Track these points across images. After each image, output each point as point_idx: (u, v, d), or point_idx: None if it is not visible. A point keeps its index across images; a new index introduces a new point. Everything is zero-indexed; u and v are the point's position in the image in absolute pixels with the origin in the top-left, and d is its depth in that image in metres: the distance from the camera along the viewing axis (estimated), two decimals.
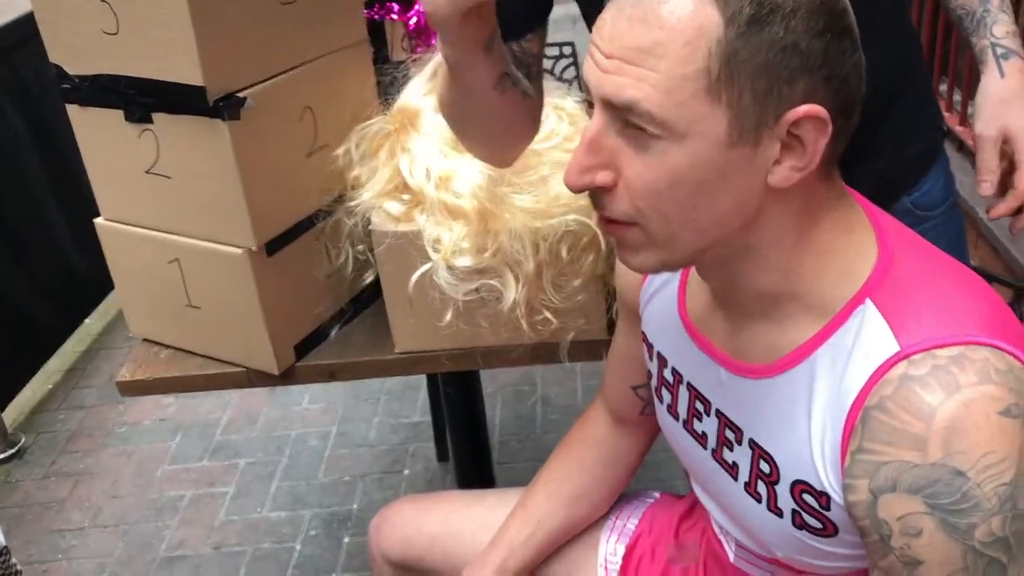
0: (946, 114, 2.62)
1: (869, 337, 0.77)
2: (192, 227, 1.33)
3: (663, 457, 1.09)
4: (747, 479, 0.90)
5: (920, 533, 0.73)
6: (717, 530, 1.07)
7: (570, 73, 2.19)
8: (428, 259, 1.25)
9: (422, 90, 1.35)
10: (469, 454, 1.72)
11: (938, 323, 0.75)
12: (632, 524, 1.23)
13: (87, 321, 3.16)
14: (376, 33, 1.55)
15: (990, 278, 1.26)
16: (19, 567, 1.50)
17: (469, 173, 1.25)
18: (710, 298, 0.91)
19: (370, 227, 1.30)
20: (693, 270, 0.93)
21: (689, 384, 0.97)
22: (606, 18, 0.74)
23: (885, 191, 1.19)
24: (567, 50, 2.24)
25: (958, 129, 2.57)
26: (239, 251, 1.30)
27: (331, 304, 1.44)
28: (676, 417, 1.01)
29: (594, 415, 1.23)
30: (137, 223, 1.39)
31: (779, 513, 0.87)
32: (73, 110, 1.35)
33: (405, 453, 2.51)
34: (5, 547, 1.44)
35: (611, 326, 1.28)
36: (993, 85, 1.14)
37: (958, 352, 0.73)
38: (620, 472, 1.22)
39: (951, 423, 0.71)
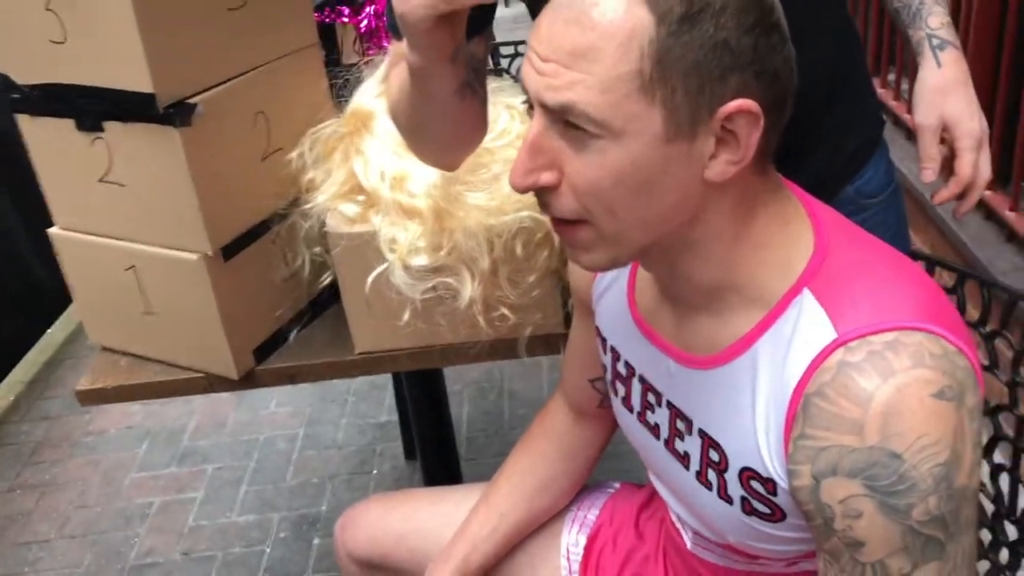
0: (894, 103, 2.66)
1: (807, 326, 0.78)
2: (148, 234, 1.33)
3: (624, 448, 1.11)
4: (698, 468, 0.92)
5: (861, 515, 0.75)
6: (674, 518, 1.09)
7: None
8: (384, 259, 1.26)
9: (375, 92, 1.35)
10: (435, 452, 1.73)
11: (873, 310, 0.77)
12: (593, 515, 1.25)
13: (49, 331, 3.13)
14: (327, 36, 1.56)
15: (934, 262, 1.29)
16: None
17: (423, 173, 1.26)
18: (658, 292, 0.93)
19: (326, 229, 1.30)
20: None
21: (641, 377, 0.99)
22: (542, 22, 0.75)
23: (829, 181, 1.22)
24: (523, 48, 2.26)
25: (906, 117, 2.62)
26: (195, 257, 1.30)
27: (289, 307, 1.44)
28: (631, 409, 1.03)
29: (554, 409, 1.24)
30: (92, 231, 1.39)
31: (729, 500, 0.89)
32: (23, 120, 1.34)
33: (373, 453, 2.51)
34: None
35: (568, 320, 1.29)
36: (931, 75, 1.17)
37: (893, 337, 0.75)
38: (581, 464, 1.24)
39: (886, 407, 0.73)
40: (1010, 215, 2.06)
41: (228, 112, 1.29)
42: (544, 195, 0.79)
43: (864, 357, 0.75)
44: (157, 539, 2.30)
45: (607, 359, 1.06)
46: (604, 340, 1.05)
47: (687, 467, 0.94)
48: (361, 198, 1.29)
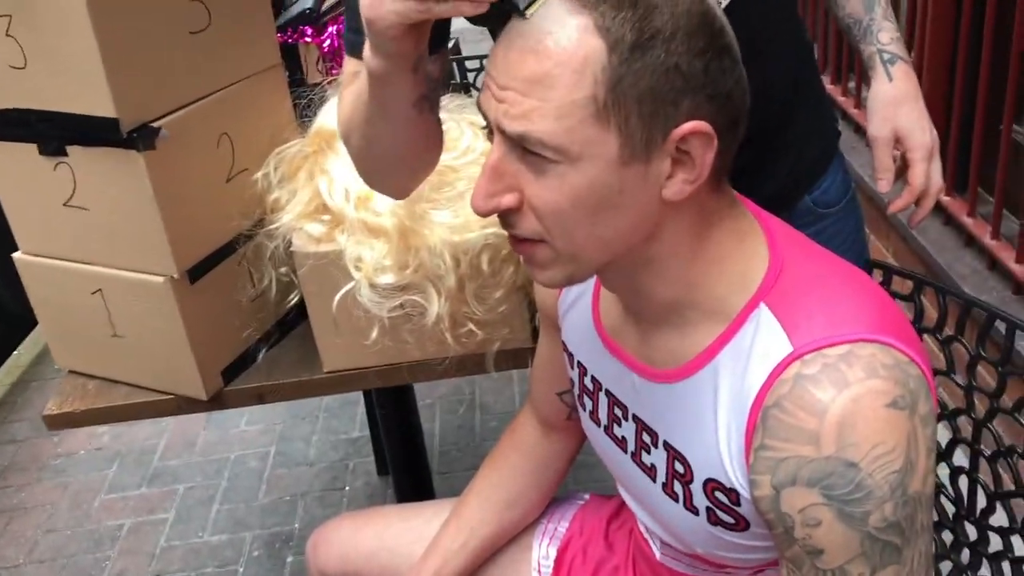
0: (855, 111, 2.70)
1: (764, 339, 0.80)
2: (113, 257, 1.33)
3: (594, 460, 1.12)
4: (664, 480, 0.94)
5: (819, 523, 0.77)
6: (643, 530, 1.11)
7: None
8: (351, 278, 1.26)
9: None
10: (407, 467, 1.74)
11: (827, 323, 0.79)
12: (563, 527, 1.26)
13: (15, 353, 3.10)
14: (290, 56, 1.57)
15: (891, 270, 1.32)
16: None
17: None
18: (621, 308, 0.95)
19: (292, 249, 1.31)
20: None
21: (607, 391, 1.00)
22: (498, 51, 0.76)
23: (787, 193, 1.25)
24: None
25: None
26: (161, 279, 1.30)
27: (257, 327, 1.44)
28: (598, 423, 1.04)
29: (523, 422, 1.26)
30: (57, 256, 1.38)
31: (695, 511, 0.91)
32: None
33: (345, 469, 2.51)
34: None
35: (535, 334, 1.30)
36: (882, 89, 1.20)
37: (846, 350, 0.77)
38: (550, 477, 1.25)
39: (842, 418, 0.75)
40: (968, 220, 2.10)
41: (192, 134, 1.30)
42: (506, 216, 0.80)
43: (819, 369, 0.77)
44: (128, 561, 2.28)
45: (574, 374, 1.07)
46: (571, 355, 1.06)
47: (654, 479, 0.96)
48: (326, 217, 1.30)
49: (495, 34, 1.11)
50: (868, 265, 1.34)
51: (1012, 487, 1.19)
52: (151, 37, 1.23)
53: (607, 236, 0.79)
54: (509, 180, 0.78)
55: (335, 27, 1.59)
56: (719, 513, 0.88)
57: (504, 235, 1.26)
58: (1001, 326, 1.19)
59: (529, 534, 1.26)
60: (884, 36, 1.20)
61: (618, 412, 0.99)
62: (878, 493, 0.75)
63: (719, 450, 0.85)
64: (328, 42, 1.59)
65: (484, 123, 0.80)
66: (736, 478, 0.84)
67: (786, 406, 0.77)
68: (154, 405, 1.42)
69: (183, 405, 1.41)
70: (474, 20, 0.88)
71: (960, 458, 1.29)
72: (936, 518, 1.34)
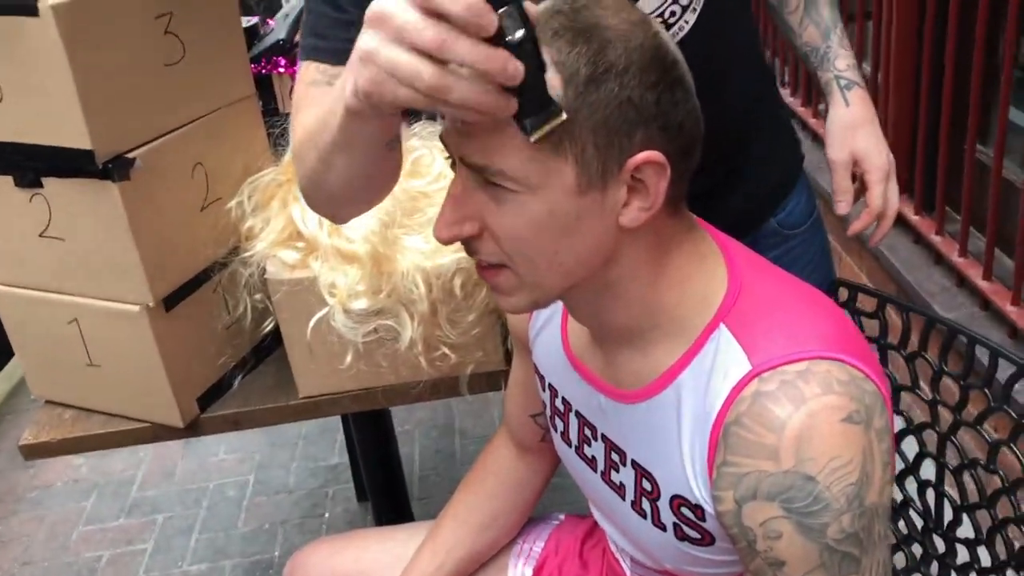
0: (823, 130, 2.75)
1: (725, 358, 0.83)
2: (89, 287, 1.34)
3: (569, 482, 1.14)
4: (633, 498, 0.96)
5: (780, 536, 0.79)
6: (613, 548, 1.12)
7: None
8: (325, 304, 1.28)
9: None
10: (385, 493, 1.75)
11: (785, 342, 0.81)
12: (539, 547, 1.28)
13: None
14: (264, 87, 1.59)
15: (856, 288, 1.35)
16: None
17: (361, 219, 1.29)
18: (588, 331, 0.97)
19: (266, 276, 1.32)
20: None
21: (577, 412, 1.02)
22: None
23: (752, 216, 1.28)
24: None
25: None
26: (136, 308, 1.31)
27: (233, 354, 1.45)
28: (569, 443, 1.06)
29: (498, 444, 1.27)
30: (33, 286, 1.39)
31: (663, 527, 0.92)
32: None
33: (325, 496, 2.51)
34: None
35: (509, 356, 1.32)
36: (840, 114, 1.24)
37: (803, 367, 0.79)
38: (526, 498, 1.26)
39: (799, 432, 0.77)
40: (936, 239, 2.14)
41: (166, 165, 1.31)
42: (468, 242, 0.82)
43: (777, 386, 0.79)
44: None
45: (546, 396, 1.09)
46: (542, 377, 1.08)
47: (623, 497, 0.97)
48: (300, 244, 1.32)
49: None
50: (834, 283, 1.37)
51: (977, 499, 1.22)
52: (126, 70, 1.25)
53: (567, 262, 0.81)
54: (471, 209, 0.79)
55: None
56: (685, 529, 0.90)
57: None
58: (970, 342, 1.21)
59: (505, 555, 1.27)
60: (840, 63, 1.23)
61: (588, 432, 1.01)
62: (835, 505, 0.77)
63: (684, 467, 0.87)
64: None
65: (446, 156, 0.82)
66: (701, 494, 0.86)
67: (746, 422, 0.80)
68: (131, 433, 1.42)
69: (159, 433, 1.42)
70: None
71: (928, 471, 1.31)
72: (906, 531, 1.36)
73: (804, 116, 2.82)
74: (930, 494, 1.31)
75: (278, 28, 1.72)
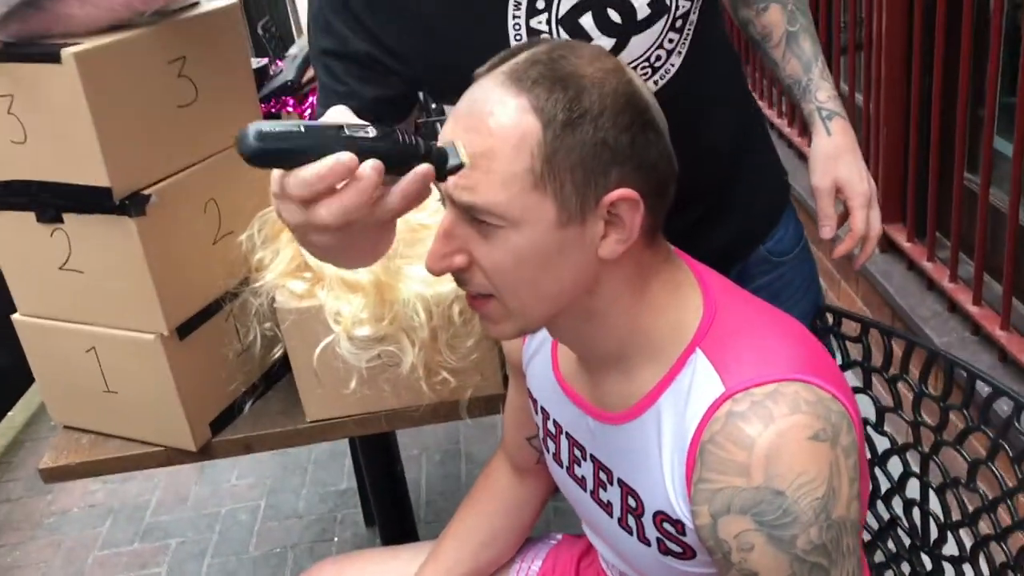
0: None
1: (700, 381, 0.88)
2: (106, 317, 1.41)
3: (570, 506, 1.19)
4: (619, 515, 1.01)
5: (752, 548, 0.84)
6: (604, 565, 1.17)
7: None
8: (331, 331, 1.34)
9: None
10: (392, 517, 1.79)
11: (756, 365, 0.86)
12: (536, 565, 1.32)
13: (10, 414, 3.16)
14: None
15: (839, 314, 1.40)
16: None
17: None
18: (576, 357, 1.02)
19: (275, 305, 1.39)
20: None
21: (567, 433, 1.08)
22: (447, 130, 0.85)
23: (741, 245, 1.33)
24: None
25: None
26: (151, 336, 1.38)
27: (243, 380, 1.51)
28: (560, 464, 1.11)
29: (496, 466, 1.32)
30: (54, 316, 1.46)
31: (647, 542, 0.97)
32: None
33: (334, 521, 2.56)
34: None
35: (506, 380, 1.37)
36: (822, 143, 1.28)
37: (773, 389, 0.84)
38: (524, 519, 1.31)
39: (768, 450, 0.82)
40: (928, 265, 2.19)
41: (180, 200, 1.38)
42: (459, 274, 0.88)
43: (748, 407, 0.84)
44: None
45: (538, 418, 1.14)
46: (535, 401, 1.14)
47: (611, 515, 1.02)
48: (308, 275, 1.38)
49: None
50: (821, 310, 1.41)
51: (959, 517, 1.26)
52: (142, 111, 1.32)
53: (551, 291, 0.86)
54: (459, 243, 0.85)
55: (315, 97, 1.69)
56: (668, 543, 0.95)
57: None
58: (948, 365, 1.26)
59: (505, 573, 1.32)
60: (822, 95, 1.28)
61: (577, 453, 1.06)
62: (803, 518, 0.82)
63: (665, 484, 0.91)
64: (309, 111, 1.69)
65: (438, 197, 0.88)
66: (681, 509, 0.91)
67: (719, 441, 0.85)
68: (146, 457, 1.48)
69: (173, 456, 1.48)
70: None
71: (914, 491, 1.35)
72: (894, 550, 1.40)
73: (800, 147, 2.87)
74: (916, 513, 1.35)
75: (287, 69, 1.79)
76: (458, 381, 1.37)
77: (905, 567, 1.39)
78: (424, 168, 0.74)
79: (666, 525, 0.94)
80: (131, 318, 1.38)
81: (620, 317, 0.91)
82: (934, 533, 1.32)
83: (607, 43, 1.04)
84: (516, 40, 1.04)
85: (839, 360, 1.39)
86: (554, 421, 1.10)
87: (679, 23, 1.07)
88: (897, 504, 1.38)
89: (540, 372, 1.10)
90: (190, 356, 1.42)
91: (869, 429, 1.37)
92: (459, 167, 0.79)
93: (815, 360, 0.89)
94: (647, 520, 0.96)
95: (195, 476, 2.80)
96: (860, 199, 1.27)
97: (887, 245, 2.39)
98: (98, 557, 2.54)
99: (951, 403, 1.26)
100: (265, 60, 1.85)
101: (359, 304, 1.32)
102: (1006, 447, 1.17)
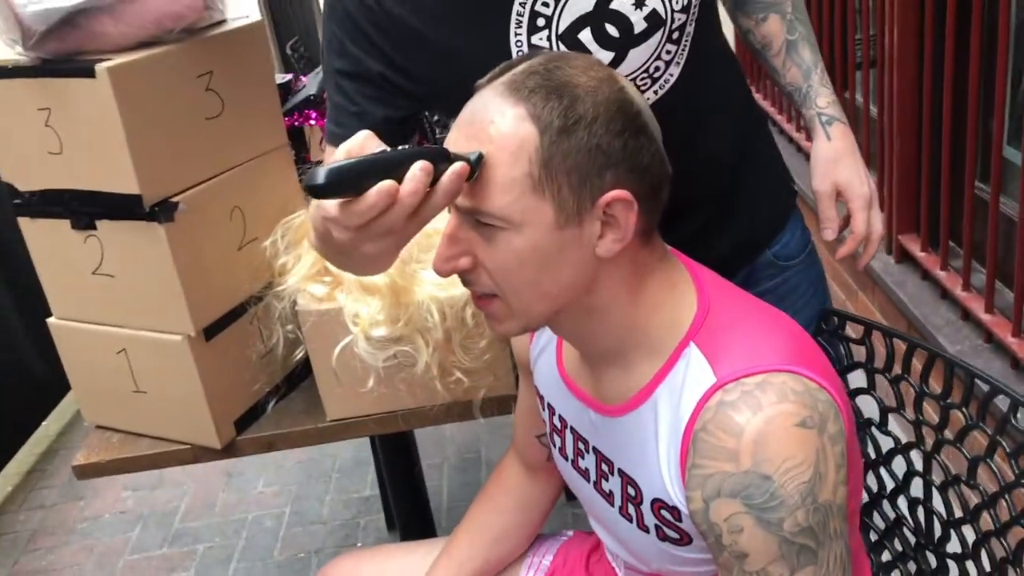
0: None
1: (694, 373, 0.92)
2: (136, 319, 1.47)
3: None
4: (620, 503, 1.05)
5: (742, 530, 0.87)
6: (610, 557, 1.21)
7: None
8: (349, 332, 1.39)
9: None
10: (413, 523, 1.83)
11: (746, 357, 0.90)
12: (548, 560, 1.36)
13: (44, 423, 3.24)
14: (296, 137, 1.73)
15: (843, 317, 1.43)
16: None
17: None
18: (578, 354, 1.07)
19: (297, 308, 1.44)
20: None
21: (572, 428, 1.12)
22: (450, 138, 0.90)
23: (746, 250, 1.36)
24: None
25: None
26: (179, 337, 1.44)
27: (267, 381, 1.57)
28: (566, 457, 1.15)
29: (508, 464, 1.36)
30: (86, 319, 1.53)
31: (646, 529, 1.01)
32: (24, 222, 1.49)
33: (357, 527, 2.61)
34: None
35: (519, 382, 1.42)
36: (822, 147, 1.31)
37: (761, 379, 0.88)
38: (534, 515, 1.35)
39: (756, 436, 0.86)
40: (941, 274, 2.21)
41: (207, 208, 1.45)
42: (463, 275, 0.93)
43: (738, 396, 0.88)
44: None
45: (545, 414, 1.18)
46: (542, 397, 1.18)
47: (612, 504, 1.07)
48: (328, 279, 1.44)
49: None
50: (827, 314, 1.44)
51: (961, 514, 1.29)
52: (171, 123, 1.39)
53: (551, 290, 0.91)
54: (464, 245, 0.90)
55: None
56: (666, 530, 0.99)
57: None
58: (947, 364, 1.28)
59: (517, 567, 1.36)
60: (821, 100, 1.31)
61: (581, 446, 1.11)
62: (790, 501, 0.85)
63: (661, 472, 0.95)
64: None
65: None
66: (676, 496, 0.94)
67: (711, 429, 0.89)
68: (173, 455, 1.54)
69: (199, 454, 1.54)
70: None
71: (918, 489, 1.38)
72: (900, 549, 1.43)
73: (807, 149, 2.90)
74: (921, 512, 1.37)
75: (310, 84, 1.86)
76: (471, 381, 1.42)
77: (911, 566, 1.41)
78: (460, 165, 0.82)
79: (663, 512, 0.98)
80: (160, 320, 1.45)
81: (618, 314, 0.95)
82: (938, 531, 1.34)
83: (606, 56, 1.09)
84: (518, 55, 1.10)
85: (843, 362, 1.42)
86: (559, 416, 1.14)
87: (675, 35, 1.12)
88: (902, 503, 1.40)
89: (546, 369, 1.15)
90: (216, 357, 1.48)
91: (874, 429, 1.40)
92: (480, 158, 0.85)
93: (804, 352, 0.93)
94: (646, 508, 1.00)
95: (222, 483, 2.87)
96: (860, 201, 1.29)
97: (901, 255, 2.41)
98: (128, 561, 2.61)
99: (951, 402, 1.28)
100: (289, 76, 1.92)
101: (376, 306, 1.38)
102: (1003, 444, 1.20)
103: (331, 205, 0.80)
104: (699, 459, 0.90)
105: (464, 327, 1.39)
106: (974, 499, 1.26)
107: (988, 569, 1.25)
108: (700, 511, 0.90)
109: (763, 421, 0.86)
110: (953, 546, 1.33)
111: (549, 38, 1.09)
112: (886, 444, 1.41)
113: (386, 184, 0.78)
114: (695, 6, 1.12)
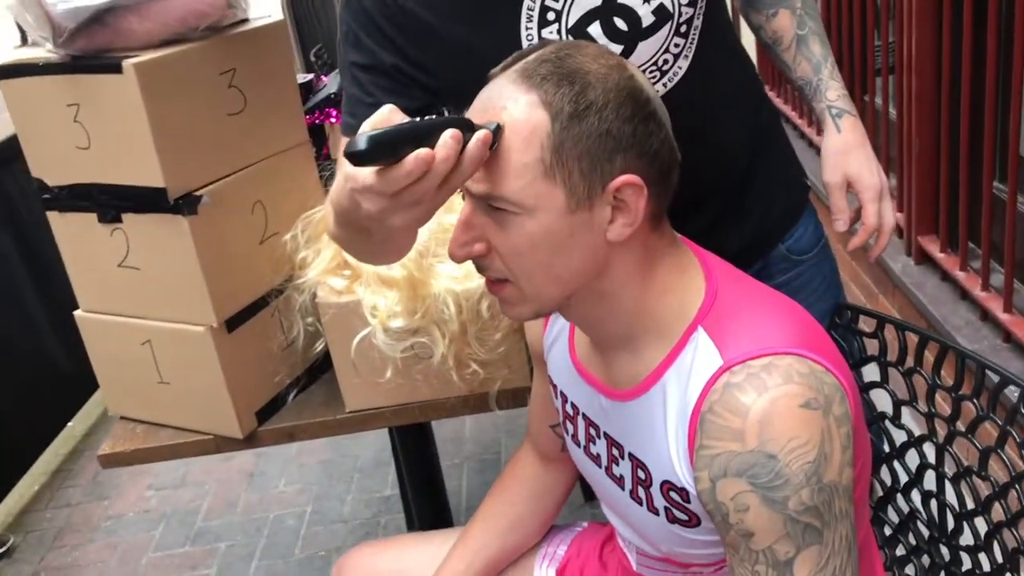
0: None
1: (702, 356, 0.94)
2: (161, 311, 1.51)
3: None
4: (631, 487, 1.06)
5: (748, 508, 0.88)
6: (622, 543, 1.23)
7: None
8: (368, 324, 1.42)
9: None
10: (432, 520, 1.85)
11: (752, 340, 0.92)
12: (562, 550, 1.38)
13: (70, 424, 3.28)
14: (317, 134, 1.76)
15: (856, 311, 1.44)
16: None
17: None
18: (589, 340, 1.09)
19: (317, 300, 1.47)
20: None
21: (583, 414, 1.14)
22: None
23: (760, 244, 1.37)
24: None
25: None
26: (202, 329, 1.47)
27: (288, 372, 1.60)
28: (578, 444, 1.17)
29: (523, 455, 1.38)
30: (112, 311, 1.56)
31: (656, 512, 1.03)
32: (53, 216, 1.53)
33: (377, 525, 2.63)
34: None
35: (533, 373, 1.44)
36: (833, 140, 1.32)
37: (767, 361, 0.90)
38: (548, 505, 1.37)
39: (762, 416, 0.87)
40: (960, 275, 2.21)
41: (230, 202, 1.48)
42: (478, 260, 0.96)
43: (744, 378, 0.89)
44: None
45: (558, 402, 1.20)
46: (555, 386, 1.20)
47: (623, 488, 1.08)
48: (347, 272, 1.47)
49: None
50: (840, 308, 1.45)
51: (973, 506, 1.29)
52: (195, 119, 1.42)
53: (563, 274, 0.93)
54: (478, 231, 0.92)
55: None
56: (675, 511, 1.00)
57: None
58: (959, 356, 1.29)
59: (531, 556, 1.37)
60: (831, 94, 1.33)
61: (592, 432, 1.12)
62: (795, 480, 0.87)
63: (670, 454, 0.97)
64: None
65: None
66: (684, 477, 0.96)
67: (717, 410, 0.90)
68: (196, 445, 1.57)
69: (221, 444, 1.57)
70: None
71: (931, 482, 1.38)
72: (914, 542, 1.43)
73: (819, 143, 2.91)
74: (934, 505, 1.37)
75: (330, 84, 1.90)
76: (487, 373, 1.44)
77: (925, 559, 1.42)
78: (483, 133, 0.83)
79: (672, 494, 0.99)
80: (183, 311, 1.48)
81: (628, 298, 0.97)
82: (951, 524, 1.35)
83: (615, 50, 1.11)
84: None
85: (857, 356, 1.43)
86: (572, 403, 1.16)
87: (683, 28, 1.14)
88: (915, 496, 1.41)
89: (559, 357, 1.17)
90: (238, 348, 1.51)
91: (888, 423, 1.41)
92: (499, 128, 0.87)
93: (810, 336, 0.94)
94: (655, 490, 1.01)
95: (244, 483, 2.90)
96: (871, 192, 1.30)
97: (921, 257, 2.41)
98: (151, 559, 2.64)
99: (963, 393, 1.29)
100: (311, 76, 1.96)
101: (394, 298, 1.41)
102: (1013, 434, 1.21)
103: (367, 174, 0.81)
104: (706, 439, 0.91)
105: (479, 319, 1.41)
106: (986, 491, 1.26)
107: (1000, 560, 1.25)
108: (707, 490, 0.92)
109: (768, 402, 0.88)
110: (966, 538, 1.33)
111: (559, 32, 1.11)
112: (899, 437, 1.42)
113: (423, 151, 0.79)
114: (702, 0, 1.14)
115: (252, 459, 2.99)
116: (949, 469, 1.33)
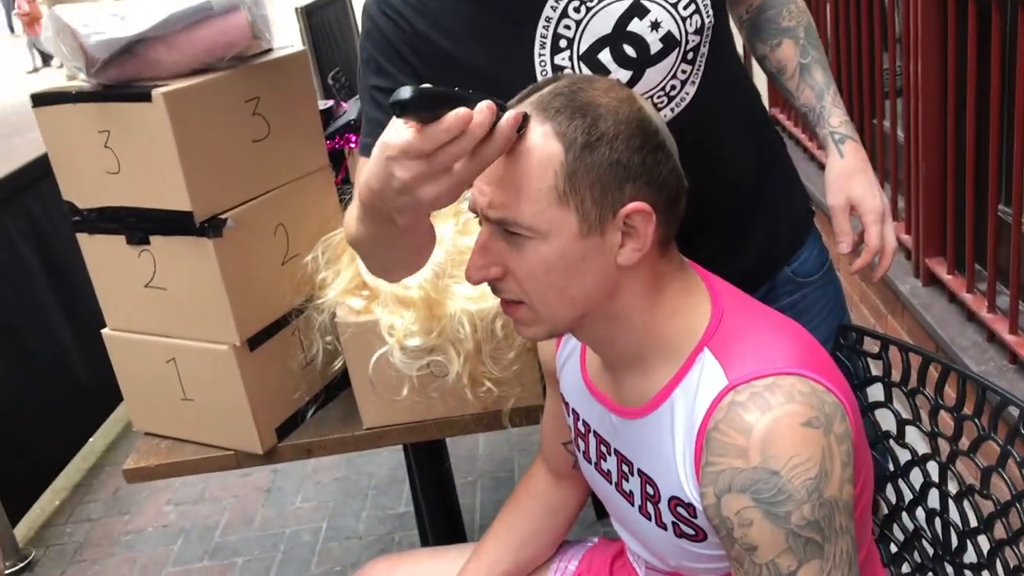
0: None
1: (708, 377, 0.97)
2: (185, 330, 1.55)
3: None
4: (640, 503, 1.10)
5: (751, 523, 0.92)
6: (631, 557, 1.26)
7: None
8: (385, 343, 1.47)
9: None
10: (446, 537, 1.88)
11: (756, 361, 0.96)
12: (573, 565, 1.41)
13: (91, 440, 3.34)
14: (337, 159, 1.81)
15: (861, 332, 1.47)
16: None
17: None
18: (600, 360, 1.13)
19: (336, 320, 1.52)
20: None
21: (595, 432, 1.17)
22: None
23: (765, 268, 1.41)
24: None
25: None
26: (225, 347, 1.52)
27: (307, 390, 1.65)
28: (590, 460, 1.21)
29: (535, 471, 1.42)
30: (139, 330, 1.61)
31: (664, 527, 1.06)
32: (82, 238, 1.58)
33: (392, 542, 2.66)
34: None
35: (546, 392, 1.48)
36: (836, 164, 1.36)
37: (771, 381, 0.93)
38: (560, 520, 1.40)
39: (765, 434, 0.91)
40: (967, 297, 2.24)
41: (253, 225, 1.53)
42: (494, 284, 1.00)
43: (748, 397, 0.93)
44: None
45: (570, 420, 1.24)
46: (567, 404, 1.24)
47: (632, 504, 1.12)
48: (365, 293, 1.52)
49: None
50: (845, 329, 1.49)
51: (976, 524, 1.32)
52: (221, 145, 1.48)
53: (576, 296, 0.97)
54: (495, 255, 0.97)
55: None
56: (682, 527, 1.04)
57: None
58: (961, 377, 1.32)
59: (543, 571, 1.40)
60: (834, 120, 1.37)
61: (603, 448, 1.16)
62: (796, 496, 0.90)
63: (677, 471, 1.01)
64: None
65: (475, 215, 1.00)
66: (691, 493, 1.00)
67: (722, 428, 0.94)
68: (217, 460, 1.62)
69: (242, 459, 1.61)
70: None
71: (935, 501, 1.41)
72: (919, 560, 1.45)
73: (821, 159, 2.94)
74: (938, 523, 1.40)
75: (350, 110, 1.95)
76: (501, 391, 1.48)
77: None
78: (515, 111, 0.87)
79: (680, 509, 1.03)
80: (207, 330, 1.53)
81: (638, 320, 1.01)
82: (955, 541, 1.37)
83: (624, 75, 1.16)
84: (542, 75, 1.17)
85: (861, 376, 1.46)
86: (583, 421, 1.19)
87: (690, 55, 1.18)
88: (920, 514, 1.44)
89: (571, 376, 1.21)
90: (259, 366, 1.56)
91: (892, 442, 1.44)
92: (527, 117, 0.90)
93: (811, 357, 0.98)
94: (663, 506, 1.05)
95: (261, 499, 2.94)
96: (873, 215, 1.33)
97: (929, 279, 2.44)
98: (170, 573, 2.68)
99: (965, 413, 1.32)
100: (331, 102, 2.02)
101: (411, 318, 1.45)
102: (1014, 453, 1.23)
103: (405, 133, 0.82)
104: (712, 456, 0.95)
105: (494, 339, 1.45)
106: (988, 509, 1.29)
107: None
108: (713, 506, 0.95)
109: (771, 420, 0.91)
110: (969, 556, 1.35)
111: (571, 58, 1.16)
112: (903, 456, 1.44)
113: (462, 110, 0.80)
114: (708, 29, 1.19)
115: (269, 476, 3.04)
116: (952, 488, 1.36)
